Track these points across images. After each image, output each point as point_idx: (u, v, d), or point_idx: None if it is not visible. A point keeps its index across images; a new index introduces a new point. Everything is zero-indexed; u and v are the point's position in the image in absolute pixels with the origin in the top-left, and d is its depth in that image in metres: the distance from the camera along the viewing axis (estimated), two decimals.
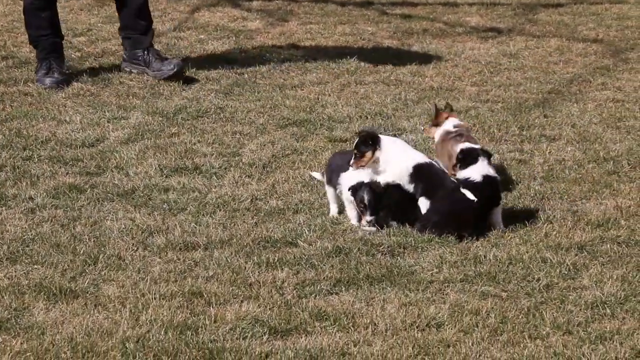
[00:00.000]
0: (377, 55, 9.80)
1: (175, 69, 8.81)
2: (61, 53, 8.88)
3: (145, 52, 8.93)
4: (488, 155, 6.46)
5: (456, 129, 6.81)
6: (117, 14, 9.16)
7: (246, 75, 9.19)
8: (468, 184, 6.31)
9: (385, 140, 6.48)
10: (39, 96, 8.47)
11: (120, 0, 9.04)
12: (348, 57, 9.74)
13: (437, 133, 6.93)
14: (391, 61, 9.65)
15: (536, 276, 5.77)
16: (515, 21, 11.15)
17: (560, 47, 10.11)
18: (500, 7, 11.76)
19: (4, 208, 6.46)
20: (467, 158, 6.38)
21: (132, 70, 8.98)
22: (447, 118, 6.91)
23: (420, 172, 6.32)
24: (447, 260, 5.94)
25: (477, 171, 6.33)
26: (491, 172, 6.38)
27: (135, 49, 8.96)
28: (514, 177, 7.00)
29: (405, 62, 9.62)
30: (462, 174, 6.38)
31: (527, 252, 6.00)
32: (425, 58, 9.75)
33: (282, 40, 10.28)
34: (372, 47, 10.11)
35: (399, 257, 6.00)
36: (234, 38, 10.27)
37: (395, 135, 6.99)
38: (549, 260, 5.90)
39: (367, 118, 8.16)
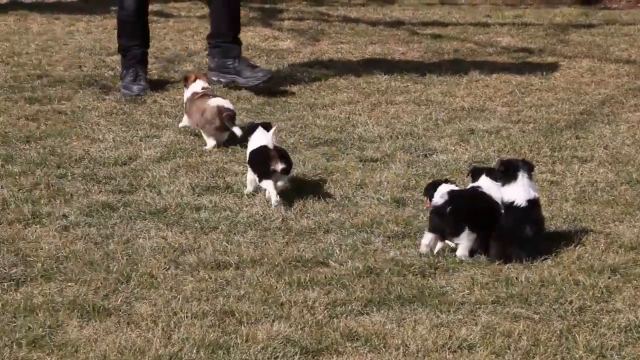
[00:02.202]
0: (408, 75, 9.81)
1: (265, 77, 8.88)
2: (146, 63, 9.13)
3: (236, 61, 8.98)
4: (529, 169, 6.25)
5: (203, 89, 7.87)
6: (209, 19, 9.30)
7: (277, 95, 9.22)
8: (512, 209, 6.14)
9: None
10: (73, 114, 8.53)
11: (214, 7, 9.14)
12: (379, 76, 9.77)
13: (186, 94, 7.99)
14: (422, 81, 9.66)
15: (569, 299, 5.72)
16: (546, 42, 11.13)
17: (592, 68, 10.09)
18: (531, 27, 11.75)
19: (38, 226, 6.50)
20: (508, 171, 6.20)
21: (221, 80, 9.03)
22: (195, 80, 7.96)
23: None
24: (479, 282, 5.91)
25: (521, 194, 6.15)
26: (532, 192, 6.19)
27: (224, 57, 9.02)
28: (545, 199, 6.96)
29: (436, 82, 9.62)
30: (505, 194, 6.19)
31: (559, 274, 5.96)
32: (456, 78, 9.75)
33: (313, 60, 10.31)
34: (403, 67, 10.12)
35: (430, 278, 5.98)
36: (265, 57, 10.31)
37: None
38: (581, 283, 5.86)
39: (397, 138, 8.15)
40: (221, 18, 9.10)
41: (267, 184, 6.88)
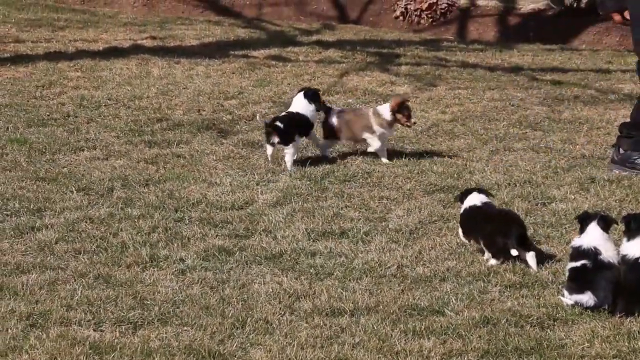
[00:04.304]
0: (527, 122, 9.74)
1: None
2: None
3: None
4: None
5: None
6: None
7: (393, 140, 9.23)
8: (636, 265, 6.01)
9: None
10: (191, 158, 8.67)
11: None
12: (497, 123, 9.72)
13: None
14: (541, 128, 9.57)
15: None
16: None
17: None
18: None
19: (156, 269, 6.61)
20: (632, 226, 6.09)
21: (622, 173, 8.24)
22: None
23: None
24: (599, 335, 5.80)
25: None
26: None
27: (633, 150, 8.31)
28: None
29: (556, 129, 9.53)
30: (629, 250, 6.09)
31: None
32: (576, 125, 9.65)
33: (430, 105, 10.30)
34: (522, 113, 10.05)
35: (548, 330, 5.89)
36: (382, 102, 10.32)
37: None
38: None
39: (515, 185, 8.09)
40: None
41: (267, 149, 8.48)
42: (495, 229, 6.69)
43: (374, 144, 8.63)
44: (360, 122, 8.66)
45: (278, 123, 8.47)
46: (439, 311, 6.09)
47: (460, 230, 6.99)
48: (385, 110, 8.62)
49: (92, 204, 7.62)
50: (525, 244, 6.65)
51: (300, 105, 8.61)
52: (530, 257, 6.60)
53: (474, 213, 6.88)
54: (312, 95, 8.62)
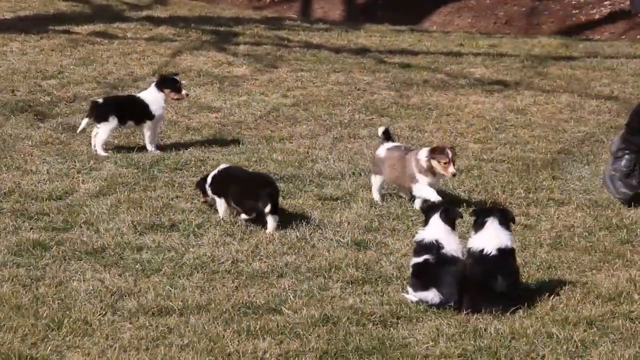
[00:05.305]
0: (373, 107, 9.88)
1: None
2: None
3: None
4: (502, 216, 6.28)
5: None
6: None
7: (230, 126, 9.25)
8: (481, 258, 6.18)
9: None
10: (3, 143, 8.52)
11: None
12: (341, 108, 9.84)
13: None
14: (388, 114, 9.74)
15: (541, 353, 5.77)
16: (523, 74, 11.26)
17: (571, 103, 10.22)
18: (507, 58, 11.89)
19: None
20: (478, 219, 6.28)
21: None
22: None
23: None
24: (444, 333, 5.95)
25: (490, 241, 6.21)
26: (505, 241, 6.22)
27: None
28: (518, 244, 7.03)
29: (404, 115, 9.70)
30: (474, 242, 6.25)
31: (531, 326, 6.01)
32: (425, 111, 9.84)
33: (270, 88, 10.37)
34: (368, 98, 10.20)
35: (391, 328, 6.01)
36: (217, 84, 10.36)
37: None
38: (555, 336, 5.91)
39: (360, 175, 8.21)
40: None
41: None
42: (247, 191, 7.19)
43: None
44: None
45: (99, 99, 8.57)
46: (275, 309, 6.14)
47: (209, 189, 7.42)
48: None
49: None
50: (275, 207, 7.15)
51: (148, 90, 8.62)
52: (272, 219, 7.14)
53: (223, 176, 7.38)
54: (160, 82, 8.60)
